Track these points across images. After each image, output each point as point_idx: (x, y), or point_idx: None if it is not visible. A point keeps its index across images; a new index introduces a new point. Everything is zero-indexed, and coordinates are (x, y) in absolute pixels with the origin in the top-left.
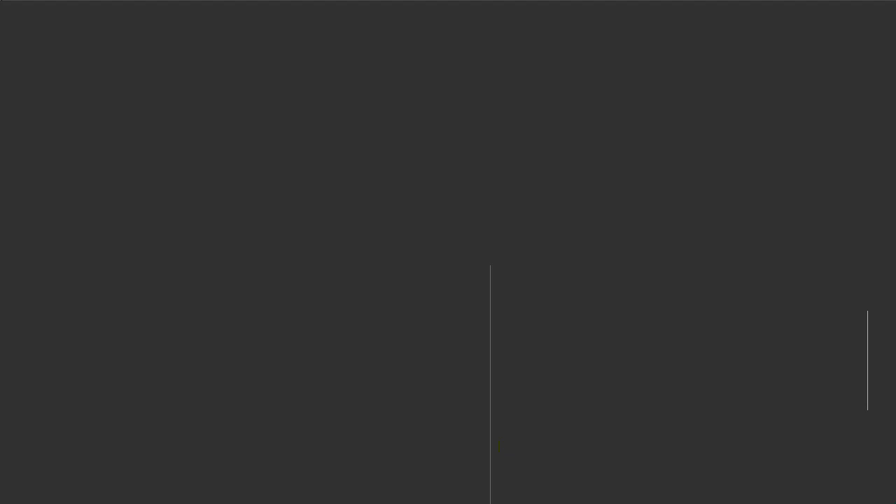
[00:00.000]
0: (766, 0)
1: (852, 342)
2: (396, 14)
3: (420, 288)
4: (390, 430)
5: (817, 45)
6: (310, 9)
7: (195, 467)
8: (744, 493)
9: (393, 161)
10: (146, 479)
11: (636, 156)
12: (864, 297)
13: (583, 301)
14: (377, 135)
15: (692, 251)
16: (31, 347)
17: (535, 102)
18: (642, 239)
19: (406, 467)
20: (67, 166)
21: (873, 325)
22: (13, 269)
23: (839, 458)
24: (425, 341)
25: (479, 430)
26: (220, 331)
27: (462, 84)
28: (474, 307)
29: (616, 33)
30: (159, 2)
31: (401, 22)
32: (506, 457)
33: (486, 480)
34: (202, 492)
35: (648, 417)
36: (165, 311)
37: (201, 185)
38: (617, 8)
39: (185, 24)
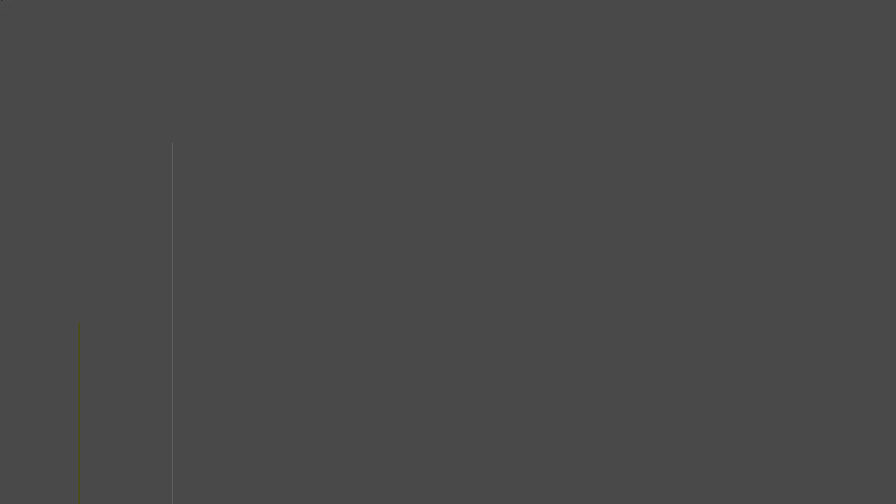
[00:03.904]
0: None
1: (851, 343)
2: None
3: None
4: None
5: (817, 42)
6: (309, 7)
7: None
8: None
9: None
10: (146, 479)
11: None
12: (865, 297)
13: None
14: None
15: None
16: (30, 347)
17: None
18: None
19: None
20: (67, 166)
21: (873, 325)
22: (12, 269)
23: (838, 461)
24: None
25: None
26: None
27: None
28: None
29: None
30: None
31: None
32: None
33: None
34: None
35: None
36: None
37: (199, 186)
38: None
39: (187, 20)
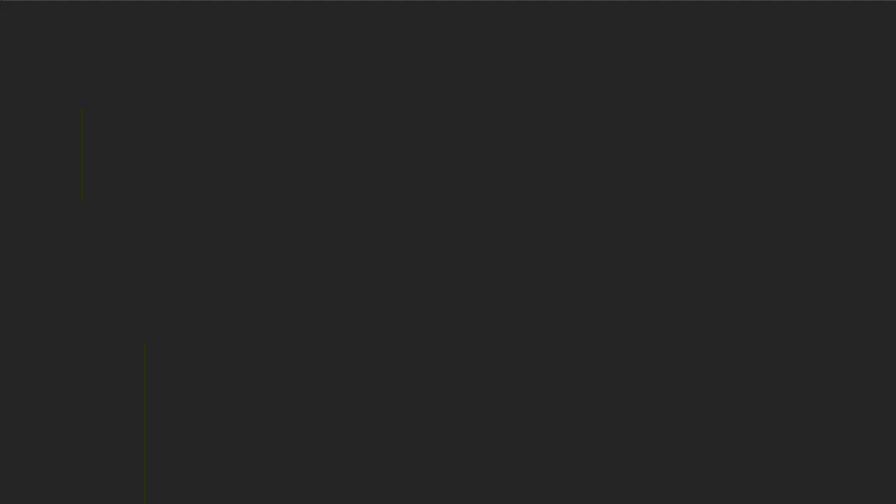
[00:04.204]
0: (765, 0)
1: (850, 341)
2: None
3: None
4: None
5: (818, 44)
6: (310, 8)
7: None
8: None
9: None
10: (144, 479)
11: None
12: (865, 297)
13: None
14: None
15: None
16: (29, 348)
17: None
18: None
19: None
20: (68, 167)
21: (873, 324)
22: (13, 270)
23: (839, 459)
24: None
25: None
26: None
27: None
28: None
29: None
30: (161, 2)
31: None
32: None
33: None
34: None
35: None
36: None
37: (199, 186)
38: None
39: (186, 23)
